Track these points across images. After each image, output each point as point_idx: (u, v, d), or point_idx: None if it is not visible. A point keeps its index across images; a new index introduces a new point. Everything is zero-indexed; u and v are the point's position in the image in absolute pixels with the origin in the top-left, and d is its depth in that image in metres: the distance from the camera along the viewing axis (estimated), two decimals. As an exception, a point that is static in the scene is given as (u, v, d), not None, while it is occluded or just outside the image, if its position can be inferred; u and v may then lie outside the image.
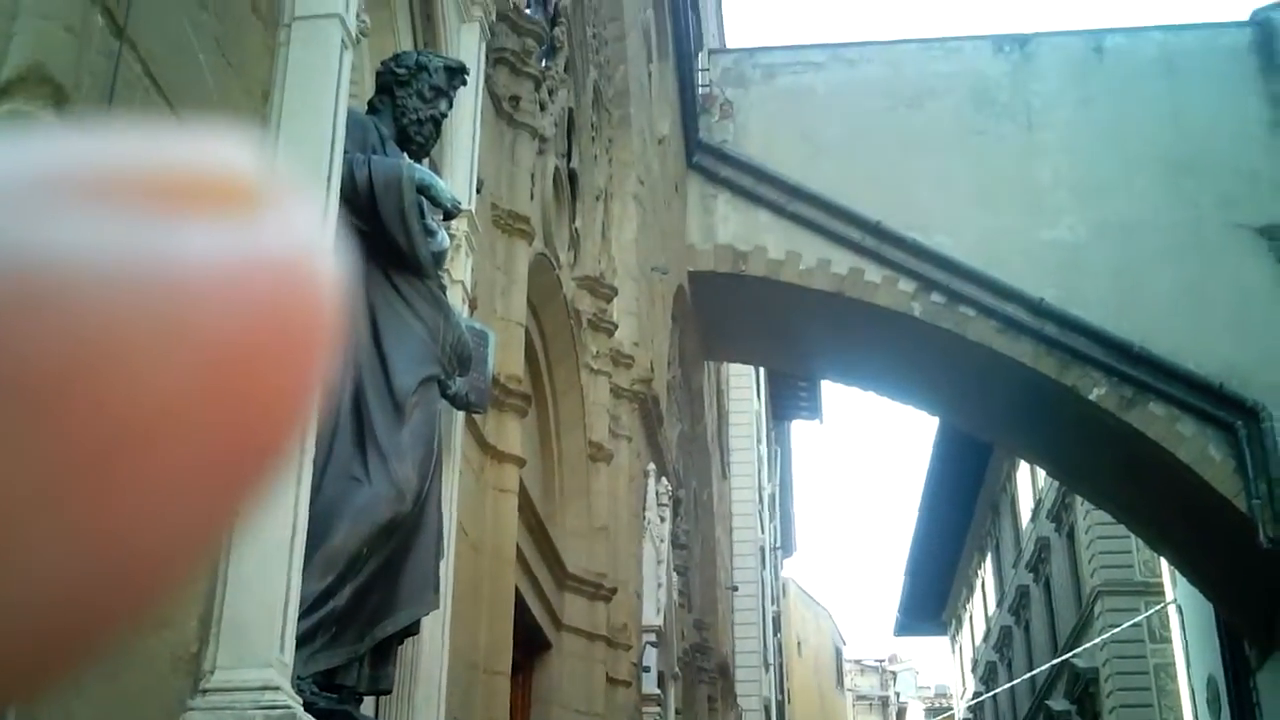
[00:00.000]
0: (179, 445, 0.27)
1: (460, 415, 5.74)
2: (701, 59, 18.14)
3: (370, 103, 4.97)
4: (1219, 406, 15.36)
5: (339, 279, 0.30)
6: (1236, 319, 15.69)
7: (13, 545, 0.26)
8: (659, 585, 12.24)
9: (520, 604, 7.99)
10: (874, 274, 16.47)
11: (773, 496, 34.05)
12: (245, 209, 0.29)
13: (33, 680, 0.27)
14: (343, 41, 4.34)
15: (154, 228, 0.28)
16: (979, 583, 41.08)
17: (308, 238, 0.29)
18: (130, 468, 0.27)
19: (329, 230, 0.30)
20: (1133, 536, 21.49)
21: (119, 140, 0.29)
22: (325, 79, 4.22)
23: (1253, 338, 15.59)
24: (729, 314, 17.52)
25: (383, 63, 5.05)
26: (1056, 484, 26.23)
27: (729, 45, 22.27)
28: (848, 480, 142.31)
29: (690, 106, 17.05)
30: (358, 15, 4.55)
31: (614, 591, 10.29)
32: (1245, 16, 17.34)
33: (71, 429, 0.26)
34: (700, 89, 17.61)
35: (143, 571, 0.28)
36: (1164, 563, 22.03)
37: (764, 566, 29.31)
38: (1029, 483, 31.14)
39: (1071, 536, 27.50)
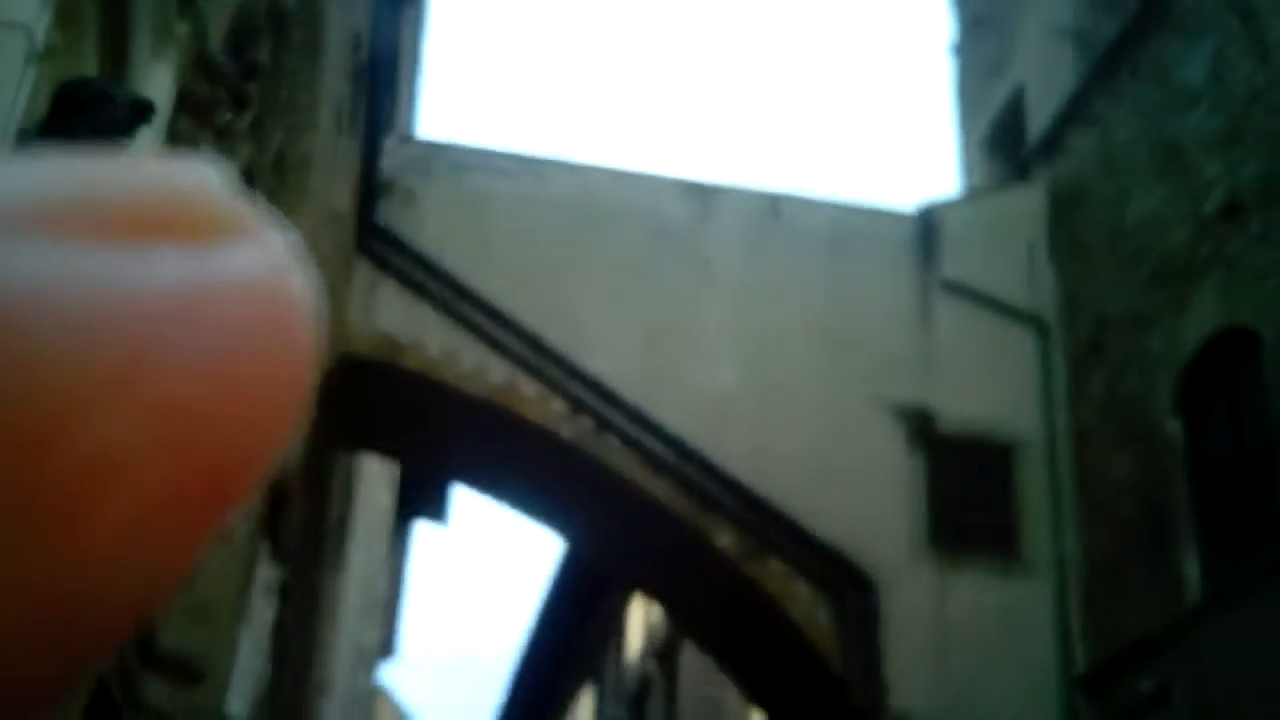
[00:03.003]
0: (149, 478, 0.26)
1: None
2: (390, 143, 17.79)
3: (41, 125, 4.45)
4: (833, 572, 15.89)
5: (312, 302, 0.30)
6: (862, 491, 16.31)
7: None
8: (254, 676, 11.54)
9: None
10: (529, 389, 16.35)
11: (386, 597, 33.22)
12: (213, 236, 0.28)
13: None
14: (26, 56, 3.84)
15: (119, 257, 0.27)
16: (579, 709, 41.11)
17: (279, 262, 0.29)
18: (97, 505, 0.26)
19: (300, 254, 0.30)
20: (730, 686, 21.90)
21: (80, 167, 0.28)
22: (2, 93, 3.72)
23: (873, 511, 16.23)
24: (375, 404, 16.99)
25: (62, 84, 4.55)
26: (668, 623, 26.57)
27: (420, 135, 21.99)
28: (466, 588, 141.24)
29: (370, 188, 16.63)
30: (47, 30, 4.06)
31: (203, 675, 9.60)
32: (912, 207, 18.23)
33: (30, 465, 0.25)
34: (383, 174, 17.23)
35: (97, 615, 0.27)
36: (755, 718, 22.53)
37: (364, 667, 28.40)
38: (642, 618, 31.46)
39: (673, 679, 27.85)
